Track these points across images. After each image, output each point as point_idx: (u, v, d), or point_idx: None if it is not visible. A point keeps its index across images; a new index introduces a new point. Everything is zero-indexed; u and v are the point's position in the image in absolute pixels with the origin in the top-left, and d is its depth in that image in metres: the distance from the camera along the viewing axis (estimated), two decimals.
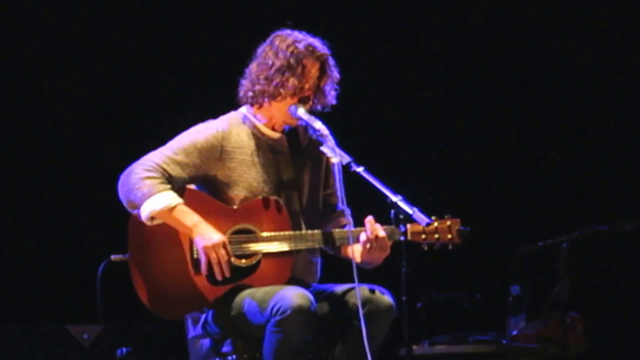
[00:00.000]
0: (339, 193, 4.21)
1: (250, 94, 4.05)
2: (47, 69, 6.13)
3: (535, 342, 5.58)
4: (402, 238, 3.77)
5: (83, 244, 6.05)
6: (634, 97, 6.45)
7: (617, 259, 6.34)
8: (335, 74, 4.05)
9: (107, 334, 5.57)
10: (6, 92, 6.10)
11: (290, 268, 4.03)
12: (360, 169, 3.83)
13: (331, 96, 4.06)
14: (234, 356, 4.06)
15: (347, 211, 4.19)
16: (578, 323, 5.59)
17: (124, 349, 4.84)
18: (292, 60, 3.98)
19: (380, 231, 3.94)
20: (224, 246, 3.94)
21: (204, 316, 4.10)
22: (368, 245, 3.94)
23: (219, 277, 3.96)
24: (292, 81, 3.98)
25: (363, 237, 3.95)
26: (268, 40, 4.08)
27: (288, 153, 4.12)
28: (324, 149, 3.97)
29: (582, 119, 6.53)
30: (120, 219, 4.09)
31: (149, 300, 4.03)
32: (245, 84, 4.08)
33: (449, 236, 3.99)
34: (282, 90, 3.99)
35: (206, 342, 4.16)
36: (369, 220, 3.95)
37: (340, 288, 4.05)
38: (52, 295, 6.07)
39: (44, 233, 6.14)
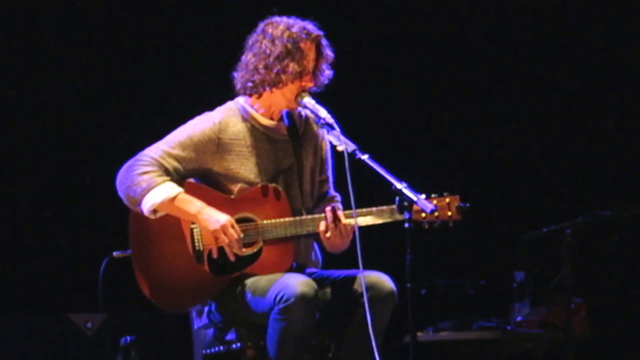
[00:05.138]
0: (331, 180, 4.23)
1: (250, 84, 4.04)
2: (46, 67, 6.12)
3: (539, 328, 5.59)
4: (406, 225, 3.76)
5: (88, 236, 6.05)
6: (636, 83, 6.44)
7: (620, 245, 6.34)
8: (330, 53, 4.07)
9: (111, 323, 5.58)
10: (8, 90, 6.08)
11: (292, 254, 4.03)
12: (365, 157, 3.84)
13: (325, 76, 4.07)
14: (239, 344, 4.06)
15: (338, 197, 4.22)
16: (582, 309, 5.59)
17: (128, 338, 4.84)
18: (289, 46, 3.99)
19: (342, 218, 3.96)
20: (232, 226, 3.93)
21: (207, 307, 4.10)
22: (328, 234, 3.96)
23: (232, 258, 3.96)
24: (293, 66, 3.99)
25: (322, 226, 3.97)
26: (259, 30, 4.08)
27: (286, 140, 4.12)
28: (329, 137, 3.98)
29: (585, 106, 6.52)
30: (124, 214, 4.08)
31: (153, 294, 4.03)
32: (242, 75, 4.07)
33: (449, 213, 3.99)
34: (283, 77, 3.99)
35: (210, 331, 4.16)
36: (329, 209, 3.97)
37: (342, 274, 4.06)
38: (56, 285, 6.07)
39: (50, 225, 6.14)
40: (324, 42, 4.06)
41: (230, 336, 4.10)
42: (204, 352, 4.17)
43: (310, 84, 4.03)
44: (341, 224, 3.96)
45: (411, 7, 6.54)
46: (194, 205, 3.95)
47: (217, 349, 4.14)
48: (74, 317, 5.72)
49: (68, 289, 6.03)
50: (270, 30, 4.04)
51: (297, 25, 4.03)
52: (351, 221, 3.96)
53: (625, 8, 6.41)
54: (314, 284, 3.89)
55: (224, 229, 3.93)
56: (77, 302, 5.87)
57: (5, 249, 6.05)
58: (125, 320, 5.66)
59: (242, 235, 3.96)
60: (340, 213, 3.97)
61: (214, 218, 3.93)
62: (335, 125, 3.95)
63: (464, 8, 6.56)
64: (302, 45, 4.01)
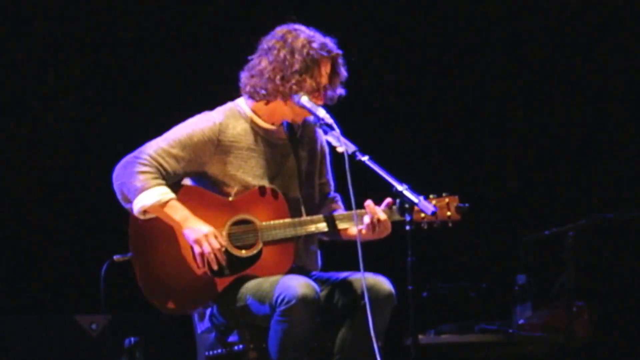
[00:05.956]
0: (331, 182, 4.23)
1: (264, 91, 4.01)
2: (47, 69, 6.13)
3: (541, 331, 5.58)
4: (407, 227, 3.76)
5: (93, 239, 6.07)
6: (638, 85, 6.45)
7: (623, 247, 6.32)
8: (344, 72, 4.06)
9: (115, 324, 5.60)
10: (9, 92, 6.10)
11: (292, 255, 4.03)
12: (365, 158, 3.83)
13: (337, 94, 4.05)
14: (241, 346, 4.06)
15: (338, 197, 4.22)
16: (584, 312, 5.58)
17: (132, 339, 4.85)
18: (308, 61, 3.98)
19: (381, 214, 3.96)
20: (214, 236, 3.93)
21: (209, 309, 4.10)
22: (371, 228, 3.97)
23: (214, 267, 3.95)
24: (310, 83, 3.98)
25: (367, 220, 3.97)
26: (277, 36, 4.04)
27: (284, 144, 4.12)
28: (329, 138, 3.98)
29: (589, 106, 6.51)
30: (126, 216, 4.09)
31: (155, 297, 4.02)
32: (255, 80, 4.03)
33: (448, 213, 4.00)
34: (298, 89, 3.97)
35: (213, 334, 4.16)
36: (368, 204, 3.96)
37: (342, 276, 4.05)
38: (62, 287, 6.09)
39: (55, 228, 6.16)
40: (341, 60, 4.05)
41: (232, 338, 4.09)
42: (206, 354, 4.17)
43: (319, 102, 4.01)
44: (382, 221, 3.96)
45: (411, 8, 6.54)
46: (180, 214, 3.95)
47: (219, 351, 4.13)
48: (79, 318, 5.74)
49: (73, 290, 6.05)
50: (290, 40, 4.01)
51: (317, 40, 4.01)
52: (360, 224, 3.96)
53: (625, 10, 6.41)
54: (314, 286, 3.89)
55: (206, 238, 3.93)
56: (83, 304, 5.89)
57: (12, 252, 6.08)
58: (130, 322, 5.68)
59: (226, 245, 3.96)
60: (378, 209, 3.96)
61: (197, 228, 3.93)
62: (335, 126, 3.93)
63: (463, 9, 6.56)
64: (320, 62, 4.00)
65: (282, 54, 3.99)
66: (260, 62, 4.03)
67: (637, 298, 6.28)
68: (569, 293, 4.98)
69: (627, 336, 6.27)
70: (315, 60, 3.98)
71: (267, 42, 4.05)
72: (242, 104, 4.13)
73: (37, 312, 5.87)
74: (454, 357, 5.67)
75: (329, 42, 4.03)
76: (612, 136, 6.47)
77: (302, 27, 4.06)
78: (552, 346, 5.57)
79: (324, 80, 4.01)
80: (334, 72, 4.03)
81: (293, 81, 3.97)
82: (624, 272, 6.32)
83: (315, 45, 3.99)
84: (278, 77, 3.98)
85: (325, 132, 4.00)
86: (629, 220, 5.27)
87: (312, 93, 3.99)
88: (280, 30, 4.06)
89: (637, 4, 6.36)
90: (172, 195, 3.95)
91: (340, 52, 4.04)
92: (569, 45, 6.53)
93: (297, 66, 3.97)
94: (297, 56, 3.98)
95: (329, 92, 4.02)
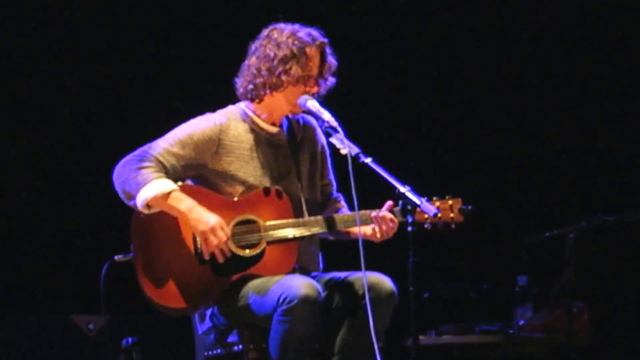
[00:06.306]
0: (333, 182, 4.24)
1: (251, 87, 4.05)
2: (46, 70, 6.12)
3: (541, 332, 5.60)
4: (409, 229, 3.77)
5: (91, 239, 6.06)
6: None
7: (623, 249, 6.34)
8: (334, 61, 4.07)
9: (113, 324, 5.59)
10: (10, 92, 6.09)
11: (295, 255, 4.03)
12: (368, 160, 3.84)
13: (328, 84, 4.07)
14: (240, 346, 4.05)
15: (341, 197, 4.24)
16: (584, 313, 5.60)
17: (129, 339, 4.84)
18: (294, 50, 4.01)
19: (391, 216, 3.99)
20: (221, 227, 3.92)
21: (210, 309, 4.09)
22: (379, 235, 4.00)
23: (220, 260, 3.94)
24: (296, 69, 3.99)
25: (377, 232, 4.00)
26: (263, 35, 4.09)
27: (286, 147, 4.12)
28: (332, 140, 3.98)
29: (590, 108, 6.52)
30: (126, 218, 4.08)
31: (156, 297, 4.00)
32: (244, 79, 4.08)
33: (451, 215, 4.01)
34: (284, 78, 4.00)
35: (213, 334, 4.15)
36: (376, 216, 3.99)
37: (343, 276, 4.06)
38: (59, 286, 6.08)
39: (53, 228, 6.15)
40: (329, 49, 4.07)
41: (232, 338, 4.09)
42: (205, 354, 4.16)
43: (314, 89, 4.03)
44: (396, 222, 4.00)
45: (414, 10, 6.54)
46: (185, 203, 3.93)
47: (218, 351, 4.12)
48: (76, 318, 5.73)
49: (71, 290, 6.04)
50: (275, 35, 4.05)
51: (302, 30, 4.05)
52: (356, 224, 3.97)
53: (625, 10, 6.42)
54: (317, 286, 3.88)
55: (213, 230, 3.92)
56: (80, 304, 5.87)
57: (10, 251, 6.07)
58: (127, 322, 5.67)
59: (230, 235, 3.95)
60: (389, 215, 3.99)
61: (205, 219, 3.92)
62: (339, 129, 3.94)
63: (466, 10, 6.56)
64: (307, 50, 4.02)
65: (268, 50, 4.03)
66: (248, 62, 4.08)
67: (637, 299, 6.29)
68: (569, 294, 4.99)
69: (627, 337, 6.28)
70: (302, 48, 4.01)
71: (254, 43, 4.10)
72: (243, 106, 4.15)
73: (34, 312, 5.86)
74: (455, 357, 5.68)
75: (314, 32, 4.06)
76: (611, 137, 6.47)
77: (288, 24, 4.09)
78: (552, 347, 5.59)
79: (314, 68, 4.02)
80: (322, 61, 4.04)
81: (279, 70, 3.99)
82: (624, 273, 6.34)
83: (300, 35, 4.03)
84: (264, 69, 4.02)
85: (330, 135, 4.01)
86: (629, 222, 5.27)
87: (302, 81, 4.00)
88: (266, 30, 4.10)
89: (637, 3, 6.37)
90: (174, 186, 3.95)
91: (325, 40, 4.06)
92: (569, 46, 6.54)
93: (282, 55, 4.00)
94: (282, 46, 4.01)
95: (322, 81, 4.04)
